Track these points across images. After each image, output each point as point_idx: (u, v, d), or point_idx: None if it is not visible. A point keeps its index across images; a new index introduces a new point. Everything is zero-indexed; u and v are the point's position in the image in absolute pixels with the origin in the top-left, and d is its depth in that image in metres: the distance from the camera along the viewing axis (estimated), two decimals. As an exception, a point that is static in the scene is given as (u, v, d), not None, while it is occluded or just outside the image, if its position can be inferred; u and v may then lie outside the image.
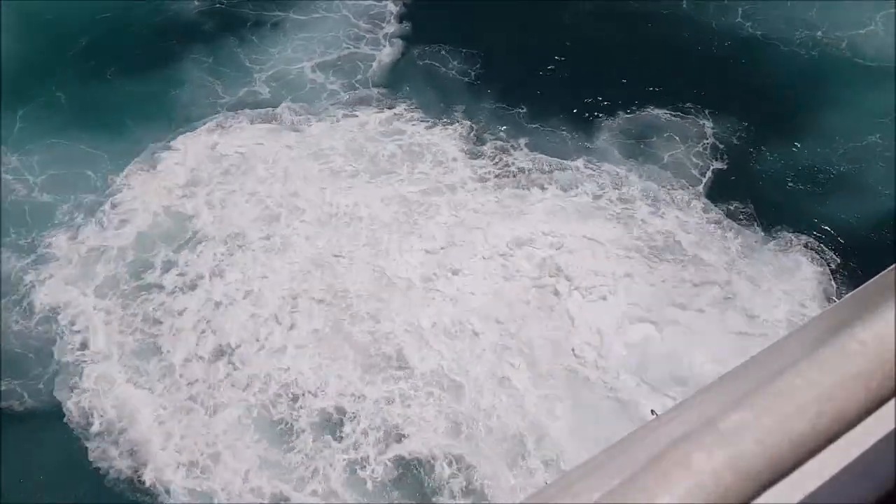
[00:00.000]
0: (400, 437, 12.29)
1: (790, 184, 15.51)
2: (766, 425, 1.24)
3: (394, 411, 12.54)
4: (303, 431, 12.41)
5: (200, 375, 13.05)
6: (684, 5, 18.87)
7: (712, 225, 14.81)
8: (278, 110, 17.09)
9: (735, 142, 16.16)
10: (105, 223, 14.97)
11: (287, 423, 12.52)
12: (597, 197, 15.20)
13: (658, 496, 1.16)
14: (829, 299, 13.65)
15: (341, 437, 12.40)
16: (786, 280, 13.97)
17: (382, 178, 15.70)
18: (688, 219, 14.86)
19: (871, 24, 17.98)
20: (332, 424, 12.54)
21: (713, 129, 16.35)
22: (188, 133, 16.63)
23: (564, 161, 15.91)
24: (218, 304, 13.86)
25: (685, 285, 13.88)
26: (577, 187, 15.28)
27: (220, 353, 13.33)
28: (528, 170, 15.76)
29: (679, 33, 18.26)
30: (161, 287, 14.19)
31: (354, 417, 12.53)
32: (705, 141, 16.19)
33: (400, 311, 13.61)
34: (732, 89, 17.16)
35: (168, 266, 14.44)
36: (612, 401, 12.45)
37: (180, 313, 13.75)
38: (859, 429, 1.33)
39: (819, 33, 17.93)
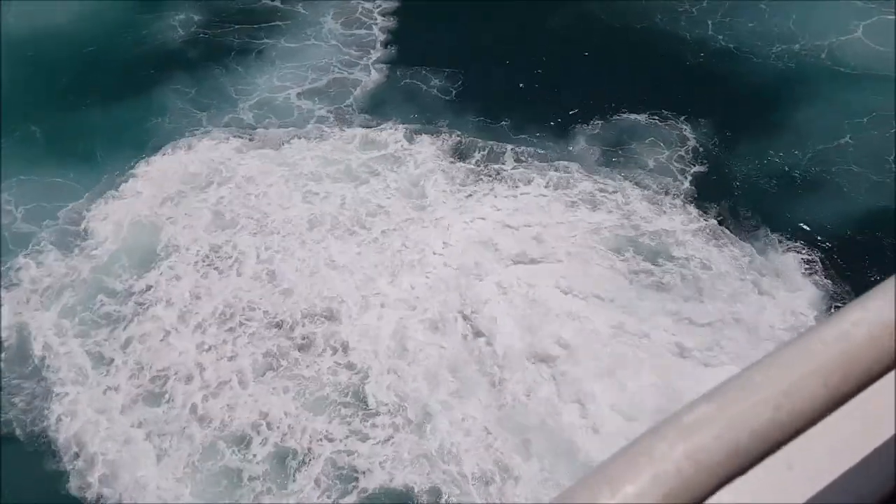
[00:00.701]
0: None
1: (770, 186, 15.85)
2: (726, 419, 1.30)
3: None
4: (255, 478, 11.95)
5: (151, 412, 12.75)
6: (658, 19, 19.40)
7: (700, 228, 14.99)
8: (258, 130, 17.15)
9: (714, 146, 16.56)
10: (75, 250, 14.84)
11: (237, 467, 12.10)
12: (586, 200, 15.34)
13: (622, 485, 1.22)
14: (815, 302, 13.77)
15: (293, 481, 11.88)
16: (777, 282, 14.13)
17: (361, 186, 15.68)
18: (674, 222, 15.03)
19: (855, 32, 18.61)
20: (284, 468, 12.06)
21: (693, 134, 16.67)
22: (162, 154, 16.75)
23: (553, 164, 16.09)
24: (167, 333, 13.64)
25: (672, 290, 13.95)
26: (567, 187, 15.37)
27: (161, 384, 13.07)
28: (515, 178, 15.94)
29: (654, 46, 18.78)
30: (121, 315, 13.99)
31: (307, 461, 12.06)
32: (687, 144, 16.52)
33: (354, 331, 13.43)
34: (709, 96, 17.67)
35: (131, 293, 14.27)
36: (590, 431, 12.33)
37: (142, 339, 13.55)
38: (855, 433, 1.40)
39: (797, 46, 18.60)
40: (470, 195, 15.56)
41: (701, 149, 16.44)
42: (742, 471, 1.29)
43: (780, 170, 15.99)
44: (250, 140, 17.05)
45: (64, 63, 18.70)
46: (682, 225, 15.05)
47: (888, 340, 1.41)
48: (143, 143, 16.99)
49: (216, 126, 17.47)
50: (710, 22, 19.40)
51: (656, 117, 17.24)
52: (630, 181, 15.87)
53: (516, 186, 15.73)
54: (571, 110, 17.47)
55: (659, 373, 12.73)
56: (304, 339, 13.43)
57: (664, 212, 15.24)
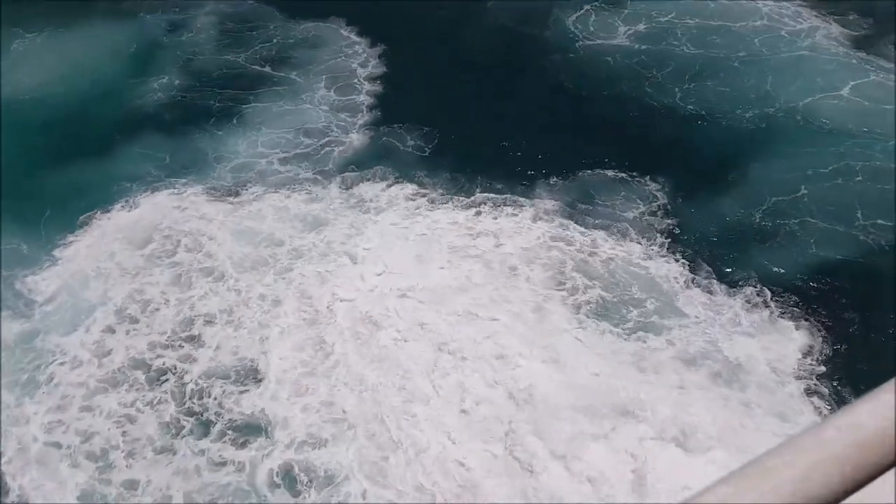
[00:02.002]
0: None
1: (729, 236, 16.42)
2: (745, 501, 1.34)
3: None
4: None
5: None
6: (624, 88, 19.94)
7: (673, 275, 15.26)
8: (231, 186, 17.64)
9: (681, 201, 16.88)
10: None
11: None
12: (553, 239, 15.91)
13: None
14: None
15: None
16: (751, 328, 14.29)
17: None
18: (649, 268, 15.37)
19: (840, 90, 19.67)
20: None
21: (661, 189, 17.00)
22: (115, 210, 17.06)
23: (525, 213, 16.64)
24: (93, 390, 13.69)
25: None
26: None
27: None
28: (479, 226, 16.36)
29: (622, 112, 19.37)
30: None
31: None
32: (655, 202, 16.82)
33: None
34: (677, 156, 18.08)
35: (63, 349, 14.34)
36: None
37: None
38: None
39: (772, 108, 19.35)
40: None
41: (669, 206, 16.95)
42: None
43: (738, 222, 16.67)
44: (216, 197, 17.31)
45: (35, 126, 19.01)
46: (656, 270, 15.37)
47: None
48: (98, 202, 17.20)
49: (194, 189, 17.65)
50: (677, 89, 19.98)
51: (626, 174, 17.55)
52: (602, 230, 16.40)
53: (475, 237, 16.04)
54: (540, 168, 18.15)
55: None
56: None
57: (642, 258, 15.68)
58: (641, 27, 22.51)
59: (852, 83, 20.67)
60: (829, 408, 13.04)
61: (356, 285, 15.24)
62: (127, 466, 12.46)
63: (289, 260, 15.83)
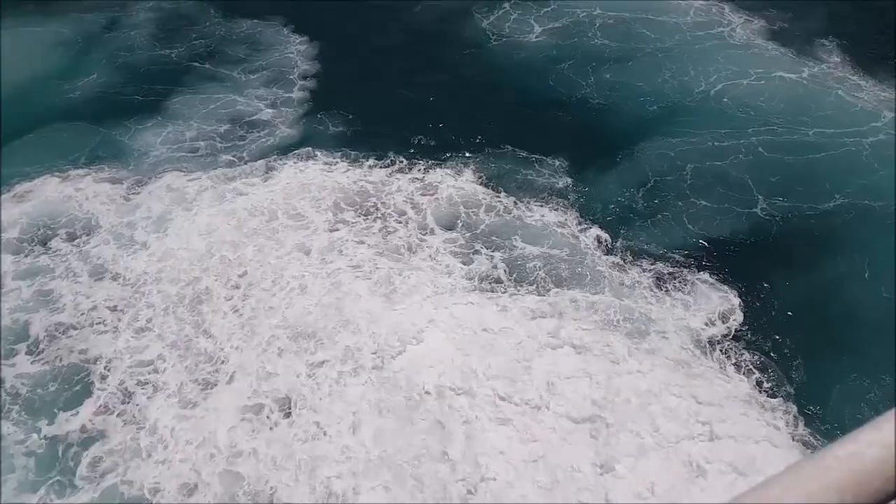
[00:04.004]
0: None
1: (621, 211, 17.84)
2: None
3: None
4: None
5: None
6: (532, 79, 21.01)
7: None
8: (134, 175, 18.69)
9: (577, 182, 18.10)
10: None
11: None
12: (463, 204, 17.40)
13: None
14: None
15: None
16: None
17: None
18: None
19: (749, 79, 21.35)
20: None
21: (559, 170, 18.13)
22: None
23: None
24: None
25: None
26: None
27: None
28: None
29: (529, 101, 21.06)
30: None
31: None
32: (555, 179, 18.22)
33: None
34: (578, 141, 19.35)
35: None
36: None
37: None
38: None
39: (680, 95, 21.05)
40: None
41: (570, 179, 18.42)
42: None
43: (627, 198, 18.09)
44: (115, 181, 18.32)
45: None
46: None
47: None
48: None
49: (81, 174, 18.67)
50: (587, 80, 21.23)
51: (525, 153, 18.90)
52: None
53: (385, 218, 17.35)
54: (451, 148, 19.62)
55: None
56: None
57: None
58: (559, 23, 23.67)
59: (760, 71, 21.65)
60: (732, 363, 14.01)
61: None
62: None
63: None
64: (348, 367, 13.50)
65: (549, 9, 24.60)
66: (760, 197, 17.82)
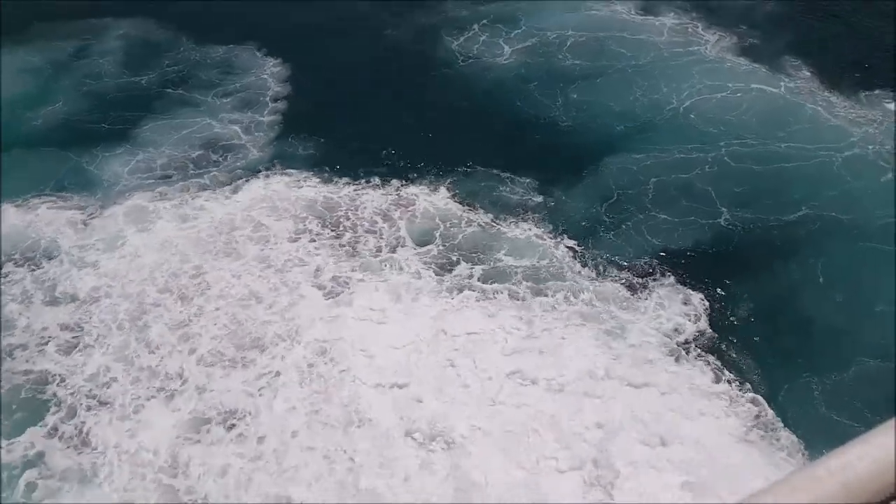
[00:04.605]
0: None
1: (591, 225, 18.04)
2: None
3: None
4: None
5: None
6: (500, 99, 21.12)
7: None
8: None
9: (546, 197, 18.45)
10: None
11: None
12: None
13: None
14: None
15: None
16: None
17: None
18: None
19: (720, 94, 21.52)
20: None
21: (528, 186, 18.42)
22: None
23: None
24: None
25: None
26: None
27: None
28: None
29: (498, 120, 21.15)
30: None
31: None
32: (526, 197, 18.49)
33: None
34: (546, 158, 19.27)
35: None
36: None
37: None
38: None
39: (651, 113, 21.31)
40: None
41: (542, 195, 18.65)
42: None
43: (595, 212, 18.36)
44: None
45: None
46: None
47: (888, 475, 1.51)
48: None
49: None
50: (555, 100, 21.36)
51: (498, 171, 19.00)
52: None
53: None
54: (420, 165, 19.77)
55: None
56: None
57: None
58: (528, 43, 23.81)
59: (733, 86, 21.76)
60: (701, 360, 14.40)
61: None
62: None
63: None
64: (294, 378, 13.35)
65: (519, 31, 24.80)
66: (725, 209, 17.91)
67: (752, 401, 13.63)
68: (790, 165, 19.43)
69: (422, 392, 13.26)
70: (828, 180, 18.94)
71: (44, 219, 17.71)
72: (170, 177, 19.36)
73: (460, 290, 15.73)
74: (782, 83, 22.26)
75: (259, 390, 13.27)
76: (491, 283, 16.01)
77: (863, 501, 1.49)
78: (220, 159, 19.97)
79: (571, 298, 15.57)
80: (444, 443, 12.53)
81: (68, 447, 12.73)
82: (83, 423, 13.08)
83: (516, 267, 16.45)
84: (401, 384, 13.45)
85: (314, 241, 16.83)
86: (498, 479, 12.03)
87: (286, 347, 14.11)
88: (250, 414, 12.92)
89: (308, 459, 12.17)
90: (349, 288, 15.63)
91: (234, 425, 12.80)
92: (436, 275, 16.22)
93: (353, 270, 16.10)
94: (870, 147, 19.86)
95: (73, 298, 15.70)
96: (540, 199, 18.45)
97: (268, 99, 22.37)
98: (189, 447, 12.55)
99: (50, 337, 14.85)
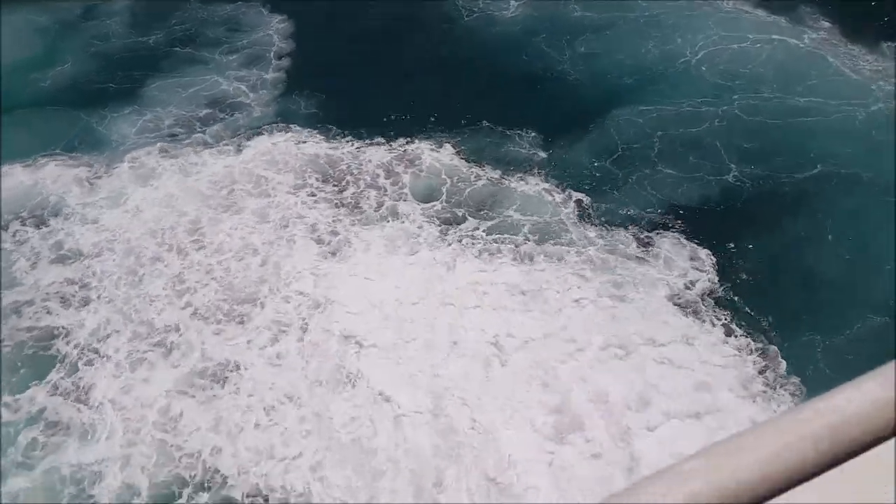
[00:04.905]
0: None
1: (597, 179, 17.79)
2: (718, 471, 1.45)
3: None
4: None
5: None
6: (507, 53, 20.60)
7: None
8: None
9: (553, 152, 18.37)
10: None
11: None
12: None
13: None
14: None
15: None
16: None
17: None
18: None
19: (735, 45, 21.08)
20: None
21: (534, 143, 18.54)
22: None
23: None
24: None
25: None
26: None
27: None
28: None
29: (503, 75, 20.82)
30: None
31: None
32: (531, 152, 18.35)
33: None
34: (554, 113, 19.39)
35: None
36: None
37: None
38: (841, 496, 1.53)
39: (663, 64, 20.65)
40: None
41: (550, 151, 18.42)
42: None
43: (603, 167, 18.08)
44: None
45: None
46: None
47: (877, 418, 1.55)
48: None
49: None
50: (563, 53, 20.93)
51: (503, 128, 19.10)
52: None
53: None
54: (426, 122, 19.49)
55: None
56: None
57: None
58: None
59: (752, 37, 21.13)
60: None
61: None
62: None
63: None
64: (288, 332, 13.44)
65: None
66: (732, 165, 17.55)
67: (762, 353, 13.63)
68: (808, 120, 18.90)
69: (415, 346, 13.29)
70: (849, 135, 18.41)
71: (50, 177, 17.88)
72: (176, 135, 19.42)
73: (461, 243, 15.73)
74: (804, 34, 21.55)
75: (249, 342, 13.42)
76: (494, 236, 15.95)
77: (848, 440, 1.51)
78: (226, 117, 19.97)
79: (576, 253, 15.51)
80: (435, 396, 12.58)
81: (67, 401, 12.98)
82: (81, 378, 13.34)
83: (522, 221, 16.37)
84: (396, 338, 13.49)
85: (314, 195, 16.84)
86: (484, 425, 12.08)
87: (281, 301, 14.23)
88: (244, 368, 13.07)
89: (299, 414, 12.29)
90: (348, 242, 15.66)
91: (226, 378, 12.99)
92: (438, 229, 16.23)
93: (353, 224, 16.12)
94: (893, 102, 19.22)
95: (78, 254, 15.94)
96: (546, 154, 18.25)
97: (272, 56, 22.21)
98: (183, 401, 12.77)
99: (55, 293, 15.09)
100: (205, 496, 11.69)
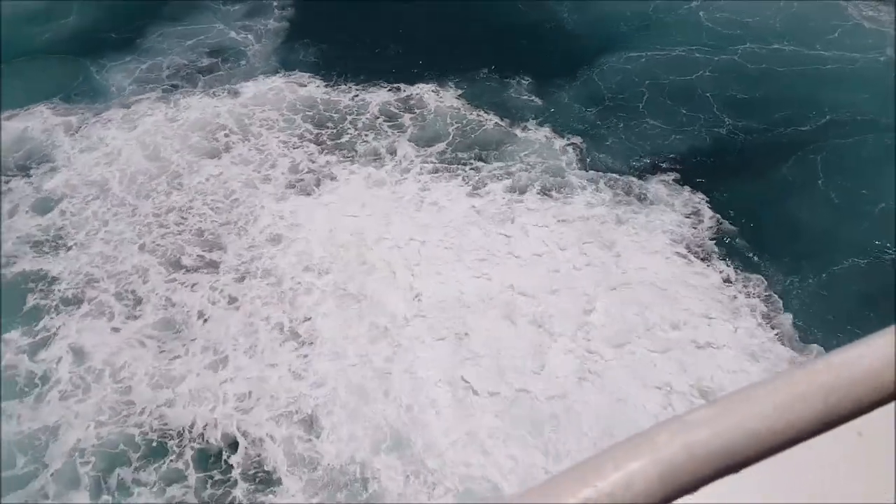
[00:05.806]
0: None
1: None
2: (725, 421, 1.45)
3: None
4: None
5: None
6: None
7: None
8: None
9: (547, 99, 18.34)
10: None
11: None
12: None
13: (626, 463, 1.42)
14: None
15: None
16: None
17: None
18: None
19: None
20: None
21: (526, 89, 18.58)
22: None
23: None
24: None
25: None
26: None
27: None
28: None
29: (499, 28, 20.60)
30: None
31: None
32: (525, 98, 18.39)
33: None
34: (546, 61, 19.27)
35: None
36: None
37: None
38: (849, 451, 1.54)
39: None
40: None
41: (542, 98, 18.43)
42: (735, 469, 1.45)
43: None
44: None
45: None
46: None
47: (888, 375, 1.55)
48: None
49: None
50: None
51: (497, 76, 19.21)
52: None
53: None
54: (434, 70, 19.36)
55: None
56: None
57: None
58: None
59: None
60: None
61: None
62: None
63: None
64: (259, 277, 13.43)
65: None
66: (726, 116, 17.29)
67: (762, 298, 13.70)
68: (822, 69, 18.30)
69: (389, 281, 13.41)
70: (869, 83, 17.98)
71: (40, 126, 17.99)
72: (176, 84, 19.47)
73: (450, 182, 15.73)
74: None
75: (220, 291, 13.44)
76: (486, 179, 15.94)
77: (858, 395, 1.53)
78: (228, 65, 20.01)
79: (568, 199, 15.49)
80: (397, 335, 12.63)
81: (27, 355, 12.99)
82: (47, 328, 13.43)
83: (513, 165, 16.35)
84: (376, 276, 13.52)
85: (303, 136, 16.83)
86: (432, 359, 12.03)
87: (248, 246, 14.24)
88: (208, 319, 13.17)
89: (259, 361, 12.40)
90: (338, 180, 15.75)
91: (188, 325, 13.03)
92: (432, 170, 16.26)
93: (349, 163, 16.22)
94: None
95: (54, 200, 16.08)
96: (541, 101, 18.19)
97: (276, 5, 21.99)
98: (140, 352, 12.86)
99: (31, 240, 15.27)
100: (173, 444, 11.68)
